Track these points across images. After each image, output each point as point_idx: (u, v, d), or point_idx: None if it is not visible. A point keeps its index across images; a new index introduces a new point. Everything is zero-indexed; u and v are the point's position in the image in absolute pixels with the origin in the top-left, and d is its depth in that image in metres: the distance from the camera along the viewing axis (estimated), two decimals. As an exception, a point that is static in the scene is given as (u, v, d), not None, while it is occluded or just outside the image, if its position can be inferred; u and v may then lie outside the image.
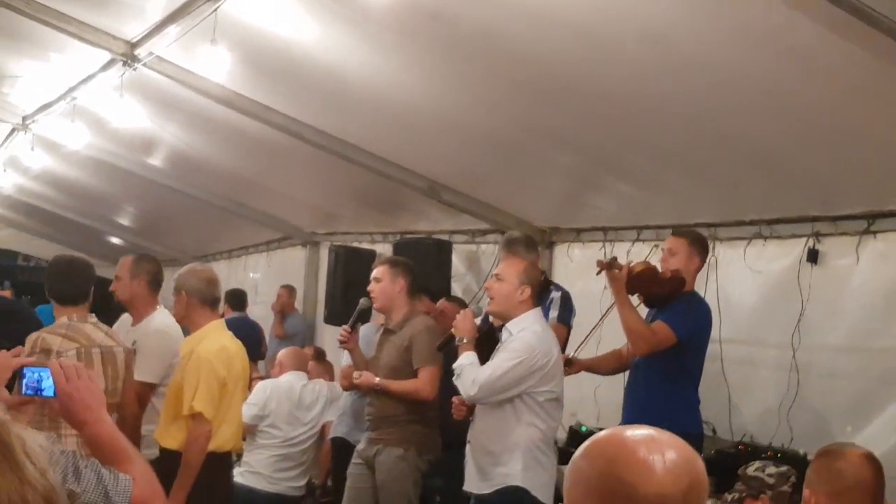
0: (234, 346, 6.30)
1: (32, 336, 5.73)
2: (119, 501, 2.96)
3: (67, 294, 5.92)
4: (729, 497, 5.41)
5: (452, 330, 6.35)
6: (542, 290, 6.69)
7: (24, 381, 3.18)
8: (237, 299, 12.86)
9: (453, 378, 6.17)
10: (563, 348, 6.81)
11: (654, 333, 6.18)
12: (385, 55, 6.88)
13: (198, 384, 5.96)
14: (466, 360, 6.11)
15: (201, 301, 6.26)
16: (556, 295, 7.19)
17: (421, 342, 6.91)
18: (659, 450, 1.94)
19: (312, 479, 9.02)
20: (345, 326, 7.29)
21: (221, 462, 6.24)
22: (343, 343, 7.28)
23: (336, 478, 8.26)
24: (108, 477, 2.95)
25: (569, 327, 7.22)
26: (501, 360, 6.02)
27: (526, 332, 6.08)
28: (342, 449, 8.01)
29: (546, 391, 6.07)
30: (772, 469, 5.43)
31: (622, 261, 6.39)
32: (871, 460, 3.95)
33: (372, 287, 7.13)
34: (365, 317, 7.48)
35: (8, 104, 11.87)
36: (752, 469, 5.47)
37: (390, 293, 7.08)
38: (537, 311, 6.26)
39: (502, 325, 6.23)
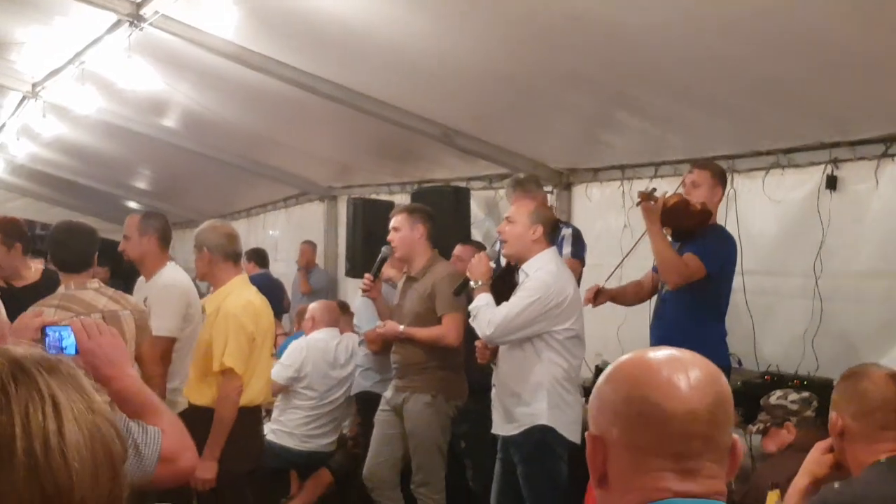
0: (259, 301, 6.32)
1: (31, 308, 5.73)
2: (149, 454, 2.98)
3: (68, 261, 5.87)
4: (753, 428, 5.42)
5: (467, 273, 6.37)
6: (553, 229, 6.72)
7: (47, 340, 3.19)
8: (260, 257, 12.93)
9: (469, 320, 6.20)
10: (578, 283, 6.83)
11: (687, 265, 6.15)
12: (394, 1, 6.84)
13: (227, 340, 6.00)
14: (482, 301, 6.17)
15: (224, 256, 6.26)
16: (566, 232, 7.21)
17: (444, 289, 6.93)
18: (683, 368, 1.95)
19: (343, 431, 9.04)
20: (367, 274, 7.30)
21: (252, 416, 6.27)
22: (366, 291, 7.30)
23: (366, 433, 8.25)
24: (136, 430, 2.97)
25: (582, 262, 7.22)
26: (517, 298, 6.07)
27: (541, 272, 6.11)
28: (368, 402, 8.05)
29: (565, 329, 6.10)
30: (794, 396, 5.44)
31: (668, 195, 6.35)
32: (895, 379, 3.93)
33: (392, 236, 7.14)
34: (382, 267, 7.48)
35: (16, 72, 11.81)
36: (774, 398, 5.48)
37: (410, 241, 7.10)
38: (553, 251, 6.30)
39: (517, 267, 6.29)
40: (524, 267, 6.20)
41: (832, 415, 3.96)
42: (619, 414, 1.96)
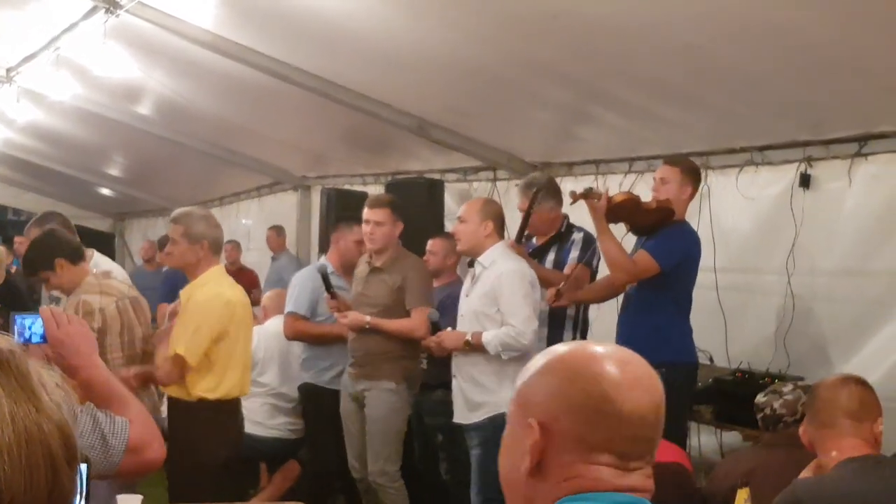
0: (233, 292, 6.20)
1: (73, 301, 5.83)
2: (116, 444, 2.96)
3: (80, 249, 6.08)
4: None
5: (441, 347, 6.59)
6: (565, 233, 6.83)
7: (16, 328, 3.17)
8: None
9: (501, 355, 6.24)
10: None
11: (635, 263, 6.23)
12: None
13: (188, 330, 5.89)
14: (488, 336, 6.31)
15: (215, 250, 6.18)
16: (577, 236, 7.15)
17: (414, 282, 6.97)
18: (634, 370, 1.98)
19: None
20: (327, 297, 7.31)
21: (229, 408, 6.18)
22: (339, 313, 7.26)
23: (310, 424, 8.24)
24: (104, 420, 2.96)
25: (592, 270, 7.12)
26: (511, 304, 6.29)
27: (502, 263, 6.40)
28: (310, 394, 8.04)
29: None
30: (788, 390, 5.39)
31: (616, 192, 6.40)
32: (846, 381, 3.98)
33: (372, 230, 7.07)
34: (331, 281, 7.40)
35: (-10, 57, 11.76)
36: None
37: (391, 236, 7.11)
38: (503, 244, 6.57)
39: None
40: (480, 259, 6.48)
41: (800, 429, 4.05)
42: (573, 406, 1.94)
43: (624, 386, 1.93)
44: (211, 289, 6.03)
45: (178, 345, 5.84)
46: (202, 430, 5.95)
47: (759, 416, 4.98)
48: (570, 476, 1.93)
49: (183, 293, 6.17)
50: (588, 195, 6.21)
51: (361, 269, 7.34)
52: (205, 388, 5.97)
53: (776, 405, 4.91)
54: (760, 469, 4.57)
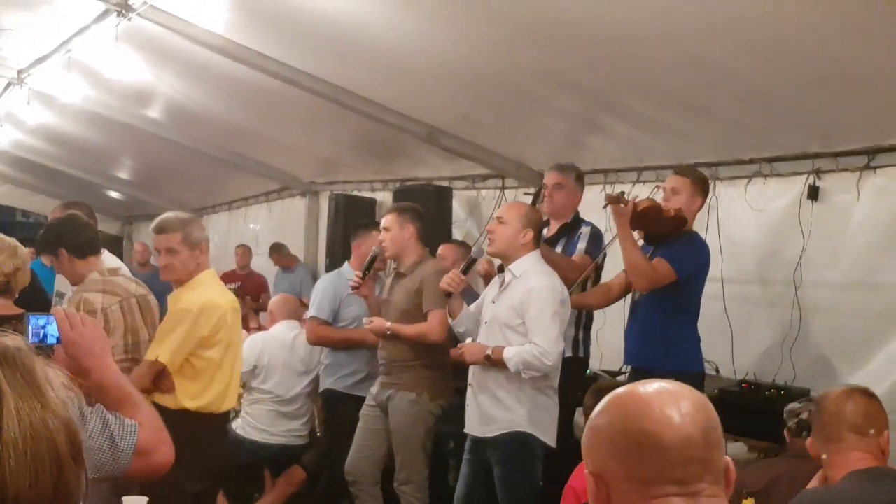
0: (224, 298, 6.01)
1: (75, 298, 5.70)
2: (125, 447, 2.97)
3: (84, 247, 5.88)
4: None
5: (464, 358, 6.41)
6: (573, 226, 6.79)
7: (30, 328, 3.18)
8: None
9: (521, 374, 6.14)
10: (586, 281, 6.87)
11: (655, 270, 6.19)
12: (382, -1, 6.85)
13: (169, 334, 5.67)
14: (510, 353, 6.07)
15: (207, 252, 6.02)
16: (585, 229, 7.11)
17: (431, 285, 6.90)
18: (673, 399, 2.03)
19: (315, 429, 9.00)
20: (357, 272, 7.28)
21: (213, 422, 5.93)
22: (356, 289, 7.26)
23: (330, 430, 8.24)
24: (113, 422, 2.96)
25: (595, 262, 7.05)
26: (537, 322, 6.05)
27: (537, 277, 6.14)
28: (332, 400, 8.04)
29: None
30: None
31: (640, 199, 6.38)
32: (851, 393, 3.98)
33: (382, 237, 7.14)
34: (373, 266, 7.40)
35: (2, 58, 11.79)
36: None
37: (400, 240, 7.10)
38: (537, 253, 6.30)
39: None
40: (511, 267, 6.21)
41: (808, 441, 4.05)
42: (617, 446, 2.02)
43: (661, 416, 1.99)
44: (202, 293, 5.85)
45: (155, 349, 5.65)
46: (178, 446, 5.44)
47: (793, 421, 4.98)
48: None
49: (172, 297, 5.94)
50: (619, 200, 6.16)
51: (390, 276, 7.38)
52: (186, 395, 5.76)
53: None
54: (785, 477, 4.57)
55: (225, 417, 5.98)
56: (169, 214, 6.06)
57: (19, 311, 5.25)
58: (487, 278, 7.08)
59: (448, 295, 6.48)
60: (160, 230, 5.86)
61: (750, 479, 4.85)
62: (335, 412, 7.92)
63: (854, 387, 4.17)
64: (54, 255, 6.00)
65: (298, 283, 13.01)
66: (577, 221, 7.17)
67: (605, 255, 7.11)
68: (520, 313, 6.11)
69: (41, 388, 1.43)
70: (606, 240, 6.96)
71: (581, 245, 7.04)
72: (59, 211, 7.11)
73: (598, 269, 7.11)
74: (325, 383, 8.10)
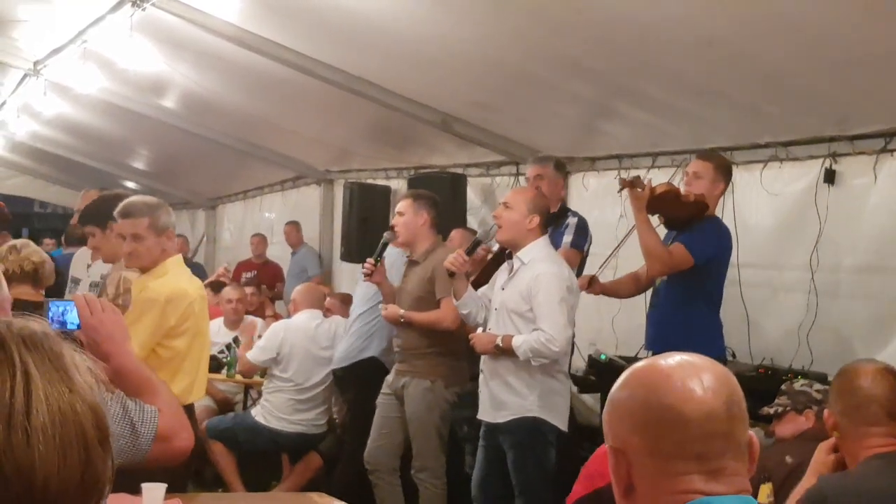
0: (191, 286, 5.70)
1: (114, 277, 5.71)
2: (145, 432, 2.99)
3: None
4: (771, 410, 5.39)
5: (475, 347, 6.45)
6: (559, 215, 6.77)
7: (51, 314, 3.20)
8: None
9: (531, 361, 6.16)
10: (576, 273, 6.84)
11: (671, 255, 6.16)
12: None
13: (133, 324, 5.08)
14: (518, 341, 6.12)
15: (173, 237, 5.75)
16: (572, 221, 7.16)
17: (443, 273, 6.90)
18: (695, 372, 2.01)
19: (334, 417, 9.03)
20: (369, 259, 7.29)
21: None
22: (368, 276, 7.28)
23: (359, 406, 8.15)
24: (133, 408, 2.99)
25: (582, 253, 7.18)
26: (545, 306, 6.09)
27: (545, 263, 6.18)
28: (373, 368, 8.01)
29: None
30: (818, 386, 5.41)
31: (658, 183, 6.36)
32: (885, 374, 3.93)
33: (396, 221, 7.19)
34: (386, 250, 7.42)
35: (18, 49, 11.81)
36: (798, 384, 5.46)
37: (413, 227, 7.13)
38: (545, 239, 6.36)
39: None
40: (519, 254, 6.26)
41: (825, 412, 3.99)
42: (638, 421, 2.00)
43: (683, 389, 1.96)
44: (169, 280, 5.54)
45: None
46: None
47: (792, 399, 4.99)
48: (660, 494, 1.96)
49: (136, 284, 5.64)
50: (635, 184, 6.14)
51: (404, 265, 7.43)
52: None
53: (813, 389, 4.92)
54: (806, 465, 4.54)
55: (190, 409, 5.56)
56: (135, 198, 5.80)
57: (41, 298, 5.28)
58: (480, 264, 7.09)
59: (451, 275, 6.52)
60: (126, 215, 5.54)
61: (770, 464, 4.85)
62: (371, 382, 7.82)
63: (886, 366, 4.06)
64: (103, 228, 5.98)
65: (304, 262, 13.24)
66: (564, 211, 7.20)
67: (590, 242, 7.19)
68: (527, 300, 6.16)
69: (69, 373, 1.44)
70: (621, 228, 6.96)
71: (567, 238, 7.07)
72: (95, 191, 7.09)
73: (583, 259, 7.16)
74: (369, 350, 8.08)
